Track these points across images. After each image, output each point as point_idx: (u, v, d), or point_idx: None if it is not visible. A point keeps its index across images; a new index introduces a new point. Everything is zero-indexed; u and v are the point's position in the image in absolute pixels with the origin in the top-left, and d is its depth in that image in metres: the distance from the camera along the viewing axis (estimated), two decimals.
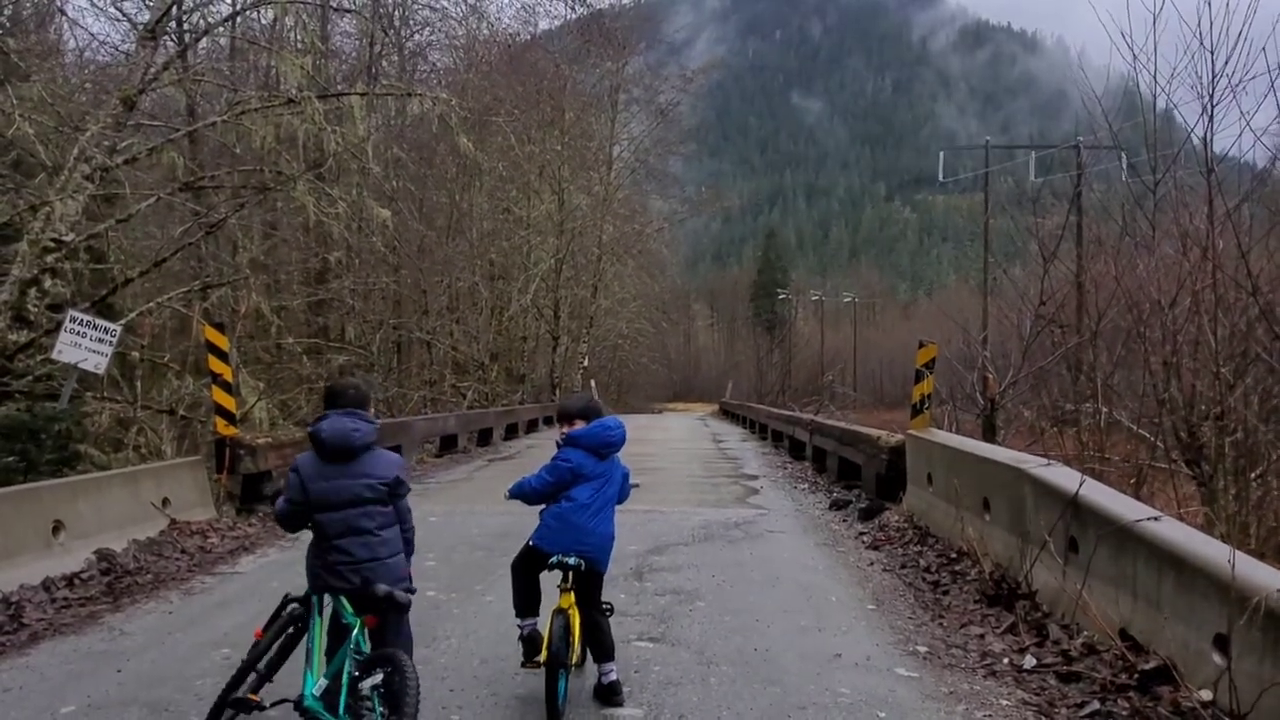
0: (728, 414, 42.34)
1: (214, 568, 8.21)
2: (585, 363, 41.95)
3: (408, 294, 30.01)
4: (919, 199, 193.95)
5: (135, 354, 15.98)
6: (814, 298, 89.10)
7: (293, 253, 24.68)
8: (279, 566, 8.20)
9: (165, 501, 9.13)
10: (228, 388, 10.49)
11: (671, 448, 21.46)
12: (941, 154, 49.93)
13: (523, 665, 4.87)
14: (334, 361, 24.66)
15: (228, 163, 19.23)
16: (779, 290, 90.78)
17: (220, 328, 10.72)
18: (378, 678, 3.88)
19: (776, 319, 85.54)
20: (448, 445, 19.19)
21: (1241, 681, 4.16)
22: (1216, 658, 4.41)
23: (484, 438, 21.83)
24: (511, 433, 24.87)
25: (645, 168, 47.16)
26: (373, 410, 4.53)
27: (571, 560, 4.70)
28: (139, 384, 15.64)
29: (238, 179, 17.77)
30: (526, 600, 4.94)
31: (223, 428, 10.33)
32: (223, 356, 10.45)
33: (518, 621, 4.97)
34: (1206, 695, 4.41)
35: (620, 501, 5.05)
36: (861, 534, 9.65)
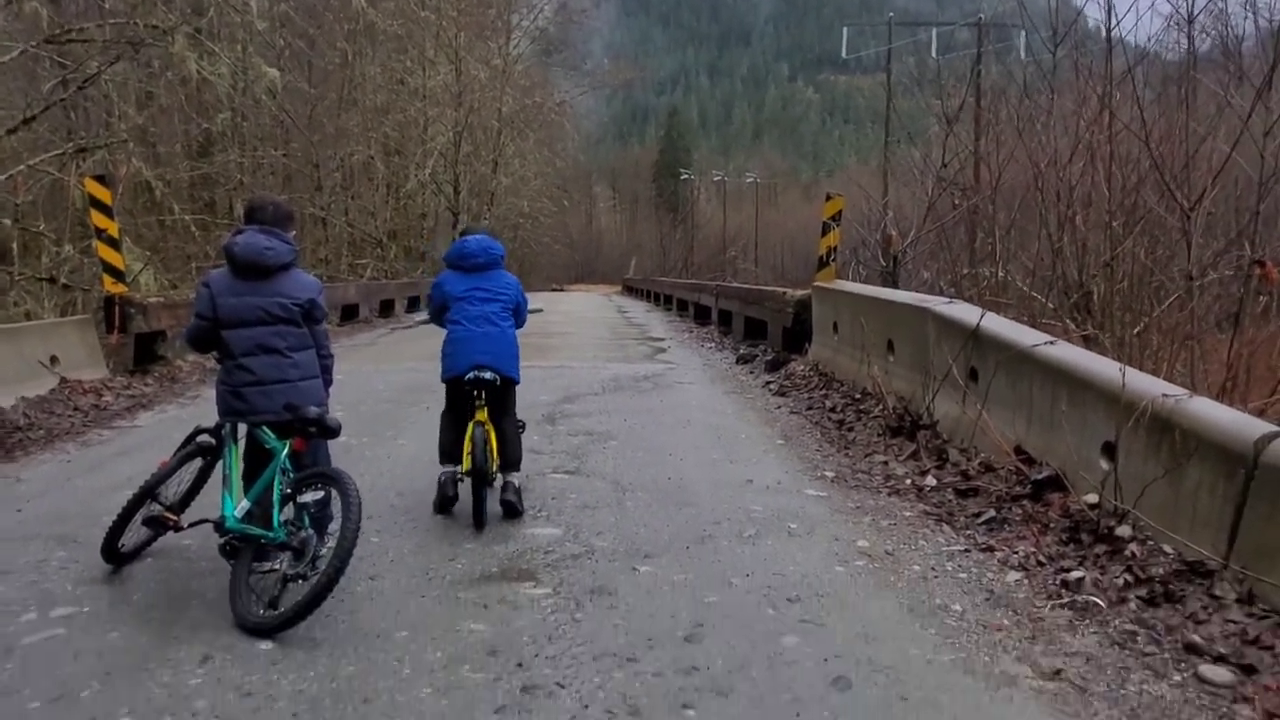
0: (631, 290, 42.42)
1: (111, 423, 7.95)
2: None
3: (299, 169, 28.75)
4: (822, 79, 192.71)
5: (8, 221, 15.08)
6: (716, 178, 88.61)
7: (174, 122, 23.26)
8: (180, 422, 7.93)
9: (54, 360, 8.74)
10: (114, 243, 9.96)
11: (576, 317, 21.46)
12: (845, 29, 49.61)
13: (435, 511, 5.06)
14: (223, 238, 23.53)
15: (96, 17, 17.86)
16: (682, 170, 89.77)
17: (102, 179, 10.11)
18: (319, 494, 3.87)
19: (679, 199, 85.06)
20: (349, 315, 18.81)
21: (1126, 482, 4.44)
22: (1103, 464, 4.68)
23: (386, 309, 21.47)
24: (414, 306, 24.44)
25: (545, 38, 45.60)
26: (294, 232, 4.35)
27: (487, 375, 4.91)
28: (14, 252, 14.78)
29: (109, 33, 16.55)
30: (448, 446, 5.09)
31: (111, 285, 9.85)
32: (106, 211, 9.89)
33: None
34: (1092, 498, 4.71)
35: (520, 320, 5.29)
36: (769, 383, 9.86)
